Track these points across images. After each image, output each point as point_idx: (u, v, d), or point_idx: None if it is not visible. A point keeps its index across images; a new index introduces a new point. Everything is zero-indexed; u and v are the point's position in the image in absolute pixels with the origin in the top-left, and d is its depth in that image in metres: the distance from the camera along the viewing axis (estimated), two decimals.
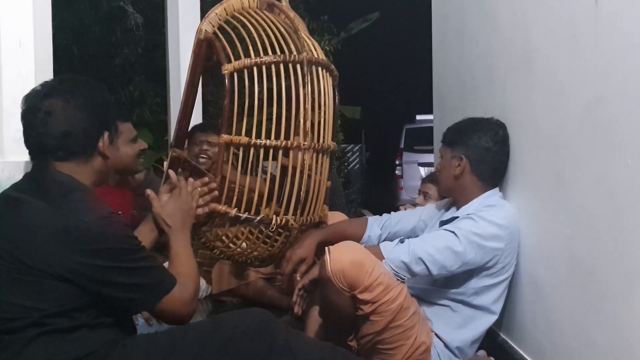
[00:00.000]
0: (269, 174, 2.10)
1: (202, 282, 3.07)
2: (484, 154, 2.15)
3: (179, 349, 1.50)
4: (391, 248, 2.03)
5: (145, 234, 1.77)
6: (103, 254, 1.43)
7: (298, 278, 2.11)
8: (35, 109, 1.52)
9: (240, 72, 1.93)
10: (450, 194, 2.30)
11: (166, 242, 1.76)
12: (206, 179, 1.91)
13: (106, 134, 1.60)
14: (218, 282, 3.07)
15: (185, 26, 3.79)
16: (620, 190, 1.49)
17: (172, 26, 3.92)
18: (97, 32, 7.02)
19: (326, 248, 1.96)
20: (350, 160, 12.98)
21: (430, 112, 3.73)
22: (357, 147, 13.34)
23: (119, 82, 7.14)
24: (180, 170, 2.06)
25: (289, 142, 1.98)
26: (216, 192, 1.92)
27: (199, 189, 1.86)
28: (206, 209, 1.89)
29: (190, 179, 1.85)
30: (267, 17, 2.11)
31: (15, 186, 1.58)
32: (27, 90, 1.59)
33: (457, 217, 2.12)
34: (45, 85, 1.58)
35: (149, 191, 1.81)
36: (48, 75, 2.22)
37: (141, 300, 1.53)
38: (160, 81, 6.07)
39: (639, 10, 1.41)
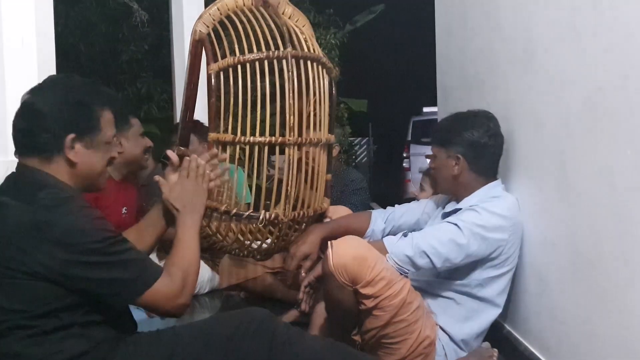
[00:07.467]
0: (277, 169, 2.12)
1: (205, 275, 3.10)
2: (480, 150, 2.12)
3: (181, 348, 1.49)
4: (394, 242, 2.03)
5: (152, 221, 1.74)
6: (76, 249, 1.38)
7: (303, 274, 2.11)
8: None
9: (226, 70, 1.94)
10: (451, 193, 2.26)
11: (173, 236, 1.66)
12: (214, 151, 1.85)
13: (70, 137, 1.47)
14: (226, 276, 3.08)
15: (189, 23, 3.73)
16: (622, 181, 1.49)
17: (177, 23, 3.94)
18: (104, 29, 7.07)
19: (329, 243, 1.97)
20: (358, 153, 12.98)
21: (437, 104, 3.71)
22: (364, 140, 13.34)
23: (126, 79, 7.18)
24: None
25: (274, 139, 1.98)
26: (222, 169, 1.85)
27: (207, 163, 1.76)
28: (218, 182, 1.81)
29: (194, 156, 1.76)
30: (262, 14, 2.11)
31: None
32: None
33: (460, 208, 2.12)
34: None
35: (157, 177, 1.75)
36: (51, 73, 2.24)
37: (122, 295, 1.46)
38: (167, 77, 6.06)
39: (639, 1, 1.40)
